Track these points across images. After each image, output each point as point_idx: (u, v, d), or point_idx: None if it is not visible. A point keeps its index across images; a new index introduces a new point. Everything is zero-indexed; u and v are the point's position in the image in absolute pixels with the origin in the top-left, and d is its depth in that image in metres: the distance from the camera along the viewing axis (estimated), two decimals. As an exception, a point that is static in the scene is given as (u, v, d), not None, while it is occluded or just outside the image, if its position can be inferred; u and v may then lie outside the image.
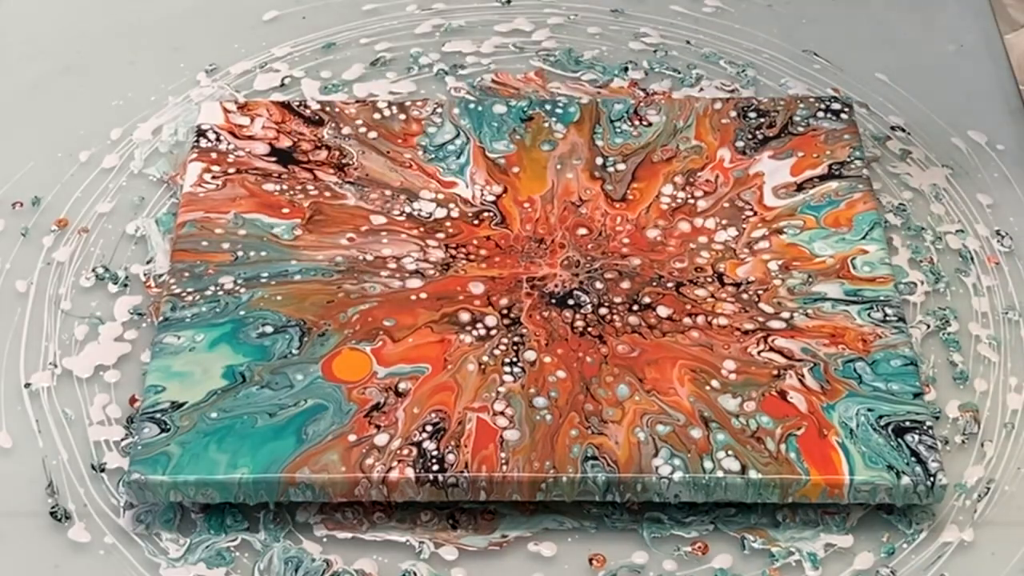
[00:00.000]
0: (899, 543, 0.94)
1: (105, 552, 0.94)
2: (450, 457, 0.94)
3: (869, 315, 1.02)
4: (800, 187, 1.10)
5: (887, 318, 1.02)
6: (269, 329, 1.01)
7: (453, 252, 1.07)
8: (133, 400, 1.01)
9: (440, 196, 1.11)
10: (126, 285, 1.08)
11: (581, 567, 0.94)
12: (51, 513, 0.96)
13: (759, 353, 1.00)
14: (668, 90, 1.22)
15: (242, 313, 1.02)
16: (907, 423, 0.96)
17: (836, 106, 1.16)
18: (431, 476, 0.93)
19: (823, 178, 1.11)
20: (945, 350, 1.04)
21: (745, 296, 1.03)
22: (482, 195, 1.11)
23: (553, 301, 1.03)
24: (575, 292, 1.04)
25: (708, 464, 0.94)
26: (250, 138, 1.15)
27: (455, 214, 1.10)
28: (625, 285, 1.04)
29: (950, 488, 0.96)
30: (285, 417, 0.96)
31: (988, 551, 0.94)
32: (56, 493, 0.97)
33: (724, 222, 1.08)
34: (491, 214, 1.09)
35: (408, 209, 1.10)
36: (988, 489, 0.97)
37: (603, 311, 1.02)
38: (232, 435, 0.95)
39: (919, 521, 0.95)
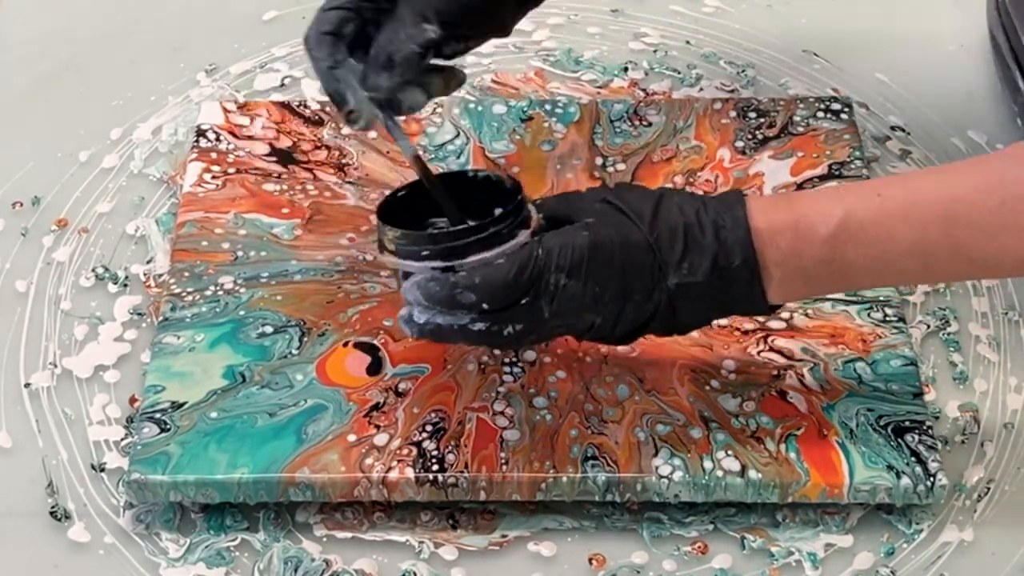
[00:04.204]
0: (899, 543, 0.94)
1: (105, 552, 0.94)
2: (450, 457, 0.94)
3: (869, 315, 1.02)
4: (800, 187, 1.10)
5: (887, 318, 1.02)
6: (269, 329, 1.01)
7: (453, 252, 1.07)
8: (133, 400, 1.01)
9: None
10: (126, 285, 1.08)
11: (581, 567, 0.94)
12: (51, 513, 0.96)
13: (759, 353, 1.00)
14: (668, 90, 1.22)
15: (242, 313, 1.02)
16: (907, 423, 0.96)
17: (836, 106, 1.16)
18: (431, 476, 0.93)
19: (823, 178, 1.11)
20: (945, 350, 1.04)
21: (745, 296, 1.03)
22: (482, 195, 1.11)
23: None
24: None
25: (708, 464, 0.94)
26: (250, 138, 1.15)
27: (455, 214, 1.10)
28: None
29: (950, 488, 0.96)
30: (285, 417, 0.96)
31: (988, 551, 0.94)
32: (56, 493, 0.97)
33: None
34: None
35: (408, 209, 1.10)
36: (988, 489, 0.97)
37: (603, 311, 1.02)
38: (232, 435, 0.95)
39: (919, 521, 0.95)
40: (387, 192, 0.98)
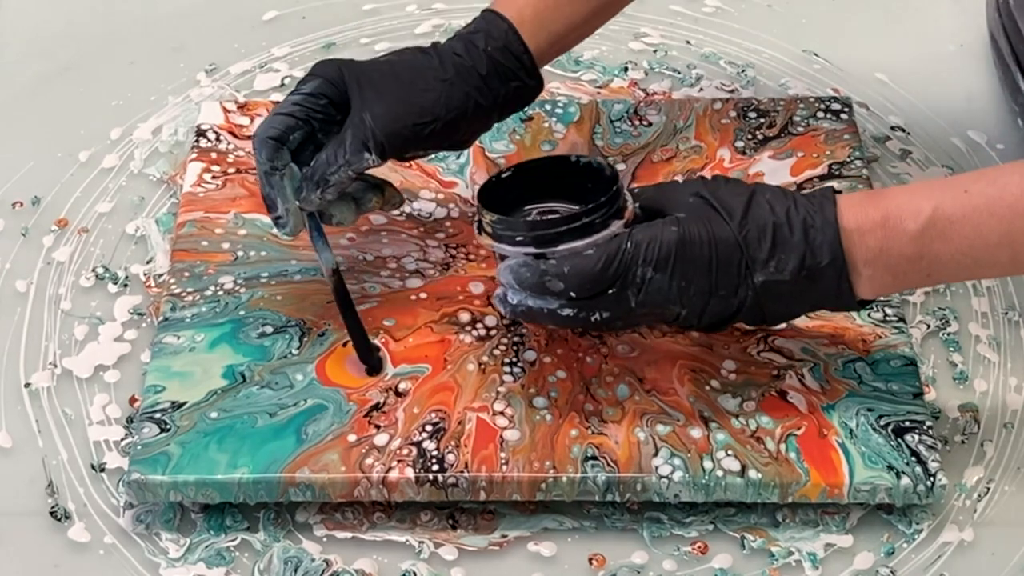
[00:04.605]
0: (899, 543, 0.94)
1: (105, 552, 0.94)
2: (450, 457, 0.94)
3: (869, 315, 1.02)
4: (800, 187, 1.10)
5: (887, 318, 1.02)
6: (269, 329, 1.01)
7: (453, 252, 1.07)
8: (133, 400, 1.01)
9: (440, 196, 1.11)
10: (126, 285, 1.08)
11: (581, 567, 0.94)
12: (51, 513, 0.96)
13: (759, 353, 1.00)
14: (668, 90, 1.22)
15: (242, 313, 1.02)
16: (907, 423, 0.96)
17: (836, 106, 1.16)
18: (431, 476, 0.93)
19: (823, 178, 1.11)
20: (945, 350, 1.04)
21: (745, 296, 1.03)
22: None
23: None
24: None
25: (708, 464, 0.94)
26: (250, 138, 1.15)
27: (455, 214, 1.10)
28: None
29: (950, 488, 0.96)
30: (285, 417, 0.96)
31: (988, 551, 0.94)
32: (56, 493, 0.97)
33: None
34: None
35: (408, 209, 1.10)
36: (988, 489, 0.97)
37: (603, 311, 1.02)
38: (232, 435, 0.95)
39: (919, 521, 0.95)
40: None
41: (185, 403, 0.97)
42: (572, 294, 0.90)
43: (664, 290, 0.90)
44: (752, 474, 0.93)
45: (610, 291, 0.90)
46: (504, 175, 0.96)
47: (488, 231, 0.93)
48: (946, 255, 0.89)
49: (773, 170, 1.11)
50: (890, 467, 0.93)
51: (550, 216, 0.94)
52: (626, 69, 1.24)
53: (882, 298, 1.01)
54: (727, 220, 0.90)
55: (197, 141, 1.14)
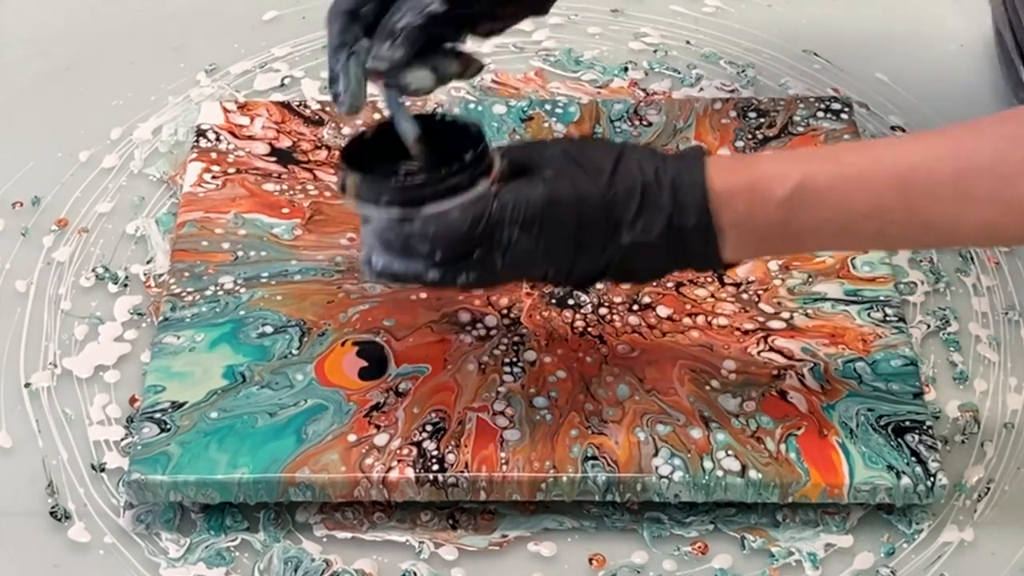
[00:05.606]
0: (899, 543, 0.94)
1: (105, 552, 0.94)
2: (450, 457, 0.94)
3: (869, 315, 1.02)
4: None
5: (887, 318, 1.02)
6: (269, 329, 1.01)
7: (453, 252, 1.06)
8: (133, 400, 1.01)
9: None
10: (126, 285, 1.08)
11: (581, 567, 0.94)
12: (51, 513, 0.96)
13: (759, 353, 1.00)
14: (668, 90, 1.22)
15: (242, 313, 1.02)
16: (907, 423, 0.96)
17: (836, 106, 1.16)
18: (431, 476, 0.93)
19: (823, 178, 1.11)
20: (945, 350, 1.04)
21: (745, 296, 1.03)
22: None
23: (553, 301, 1.03)
24: (575, 292, 1.03)
25: (708, 464, 0.94)
26: (250, 138, 1.15)
27: (455, 214, 1.09)
28: (625, 285, 1.03)
29: (950, 488, 0.96)
30: (285, 417, 0.96)
31: (988, 551, 0.94)
32: (56, 493, 0.97)
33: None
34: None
35: (408, 209, 1.10)
36: (988, 489, 0.97)
37: (603, 311, 1.02)
38: (232, 435, 0.95)
39: (919, 521, 0.95)
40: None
41: (185, 403, 0.97)
42: (438, 256, 0.89)
43: (531, 250, 0.88)
44: (752, 474, 0.93)
45: (476, 253, 0.89)
46: (367, 134, 0.93)
47: (352, 192, 0.90)
48: (813, 223, 0.88)
49: (773, 170, 1.11)
50: (890, 467, 0.93)
51: (415, 176, 0.91)
52: (626, 69, 1.24)
53: (882, 298, 1.01)
54: (595, 179, 0.89)
55: (197, 141, 1.14)
